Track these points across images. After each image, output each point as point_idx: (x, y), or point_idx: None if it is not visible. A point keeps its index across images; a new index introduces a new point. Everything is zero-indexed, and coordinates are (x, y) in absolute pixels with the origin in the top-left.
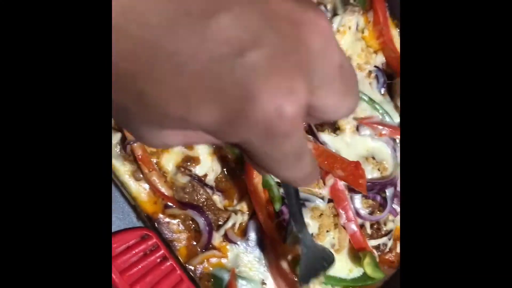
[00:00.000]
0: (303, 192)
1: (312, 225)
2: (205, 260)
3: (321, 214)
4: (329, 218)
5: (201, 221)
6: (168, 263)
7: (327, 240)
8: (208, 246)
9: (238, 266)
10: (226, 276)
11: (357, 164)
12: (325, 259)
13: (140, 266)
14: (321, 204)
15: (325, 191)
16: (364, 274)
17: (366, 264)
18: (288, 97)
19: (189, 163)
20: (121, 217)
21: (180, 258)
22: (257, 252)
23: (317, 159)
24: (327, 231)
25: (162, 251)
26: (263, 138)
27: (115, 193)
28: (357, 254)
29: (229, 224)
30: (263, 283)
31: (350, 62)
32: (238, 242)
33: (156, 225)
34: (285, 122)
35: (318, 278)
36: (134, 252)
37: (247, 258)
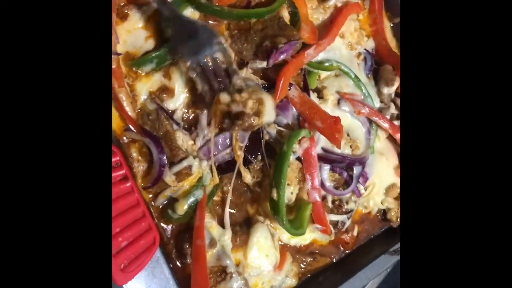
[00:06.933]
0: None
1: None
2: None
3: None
4: (293, 173)
5: (155, 151)
6: (128, 184)
7: (285, 193)
8: (157, 181)
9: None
10: (199, 194)
11: (336, 119)
12: None
13: None
14: (290, 157)
15: (299, 150)
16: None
17: (304, 210)
18: None
19: (164, 95)
20: None
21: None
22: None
23: (300, 107)
24: (288, 184)
25: (123, 171)
26: None
27: None
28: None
29: (184, 164)
30: None
31: None
32: None
33: (121, 146)
34: None
35: None
36: None
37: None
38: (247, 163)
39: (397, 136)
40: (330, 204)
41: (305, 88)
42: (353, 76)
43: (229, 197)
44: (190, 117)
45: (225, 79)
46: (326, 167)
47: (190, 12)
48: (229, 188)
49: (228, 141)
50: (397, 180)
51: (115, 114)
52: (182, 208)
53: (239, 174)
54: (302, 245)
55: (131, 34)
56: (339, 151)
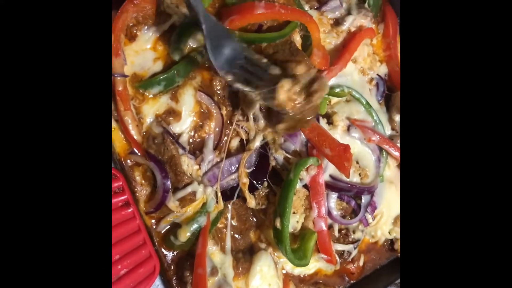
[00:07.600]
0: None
1: None
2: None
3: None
4: (300, 201)
5: (159, 175)
6: (129, 210)
7: (290, 222)
8: (160, 206)
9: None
10: (203, 221)
11: (346, 147)
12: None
13: None
14: (297, 184)
15: (306, 177)
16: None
17: (308, 240)
18: None
19: (170, 118)
20: None
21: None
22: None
23: (309, 133)
24: (294, 213)
25: (125, 196)
26: None
27: None
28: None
29: (188, 190)
30: None
31: None
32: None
33: (125, 170)
34: None
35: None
36: None
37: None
38: (252, 189)
39: None
40: (336, 233)
41: None
42: (364, 102)
43: (229, 220)
44: (197, 141)
45: (264, 74)
46: (334, 195)
47: (199, 36)
48: (229, 208)
49: (233, 167)
50: None
51: (120, 136)
52: (185, 235)
53: (244, 200)
54: (306, 275)
55: (139, 55)
56: (347, 179)
